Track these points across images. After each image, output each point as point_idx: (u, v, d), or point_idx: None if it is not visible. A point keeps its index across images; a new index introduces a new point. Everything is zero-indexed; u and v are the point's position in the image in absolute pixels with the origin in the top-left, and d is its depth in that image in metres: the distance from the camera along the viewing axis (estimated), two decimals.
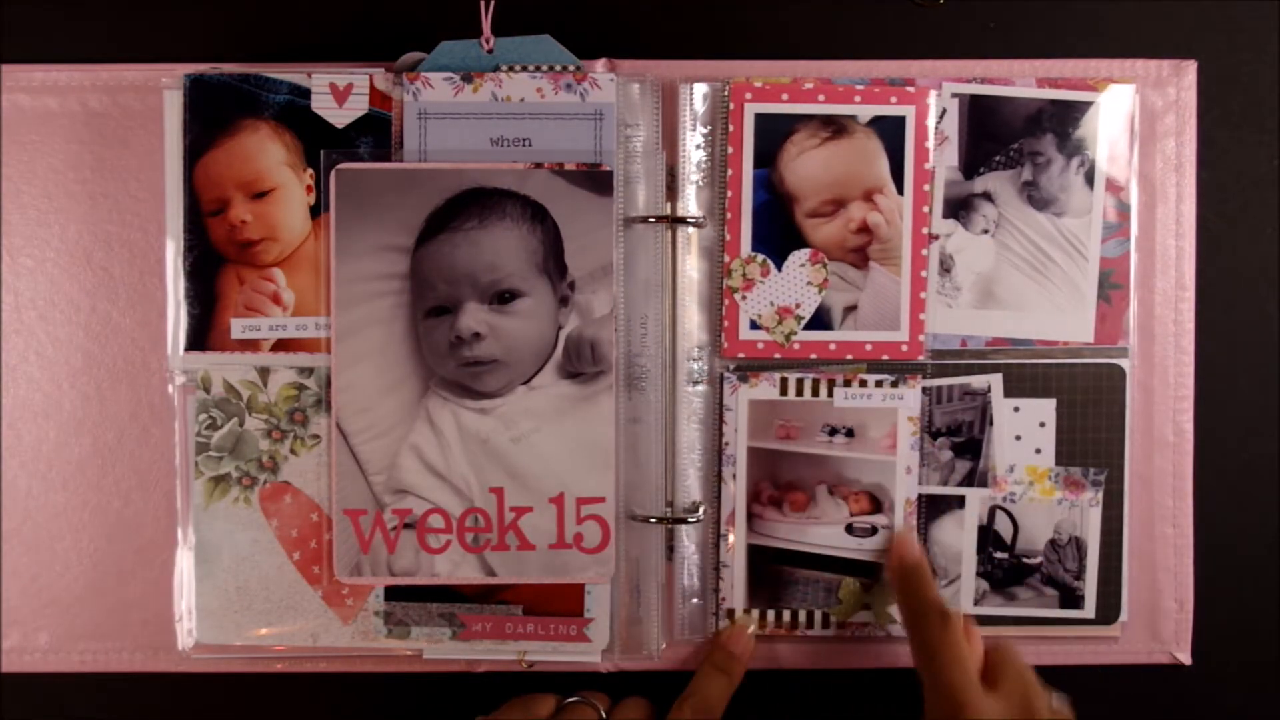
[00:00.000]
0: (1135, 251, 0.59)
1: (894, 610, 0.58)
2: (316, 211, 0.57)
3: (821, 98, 0.57)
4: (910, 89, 0.58)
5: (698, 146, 0.58)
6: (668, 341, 0.58)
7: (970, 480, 0.59)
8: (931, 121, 0.58)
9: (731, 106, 0.57)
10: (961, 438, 0.59)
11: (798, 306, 0.58)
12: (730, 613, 0.59)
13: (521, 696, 0.57)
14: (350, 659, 0.59)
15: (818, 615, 0.59)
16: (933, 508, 0.59)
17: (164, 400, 0.58)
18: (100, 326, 0.59)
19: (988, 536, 0.59)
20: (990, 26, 0.60)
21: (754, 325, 0.58)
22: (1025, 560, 0.59)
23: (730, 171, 0.57)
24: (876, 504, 0.58)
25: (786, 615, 0.59)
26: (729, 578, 0.59)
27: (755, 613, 0.59)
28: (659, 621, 0.59)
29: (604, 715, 0.56)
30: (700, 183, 0.58)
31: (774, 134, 0.57)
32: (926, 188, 0.58)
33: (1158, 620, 0.60)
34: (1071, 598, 0.59)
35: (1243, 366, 0.61)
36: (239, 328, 0.57)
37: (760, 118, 0.57)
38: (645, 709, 0.56)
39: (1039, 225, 0.58)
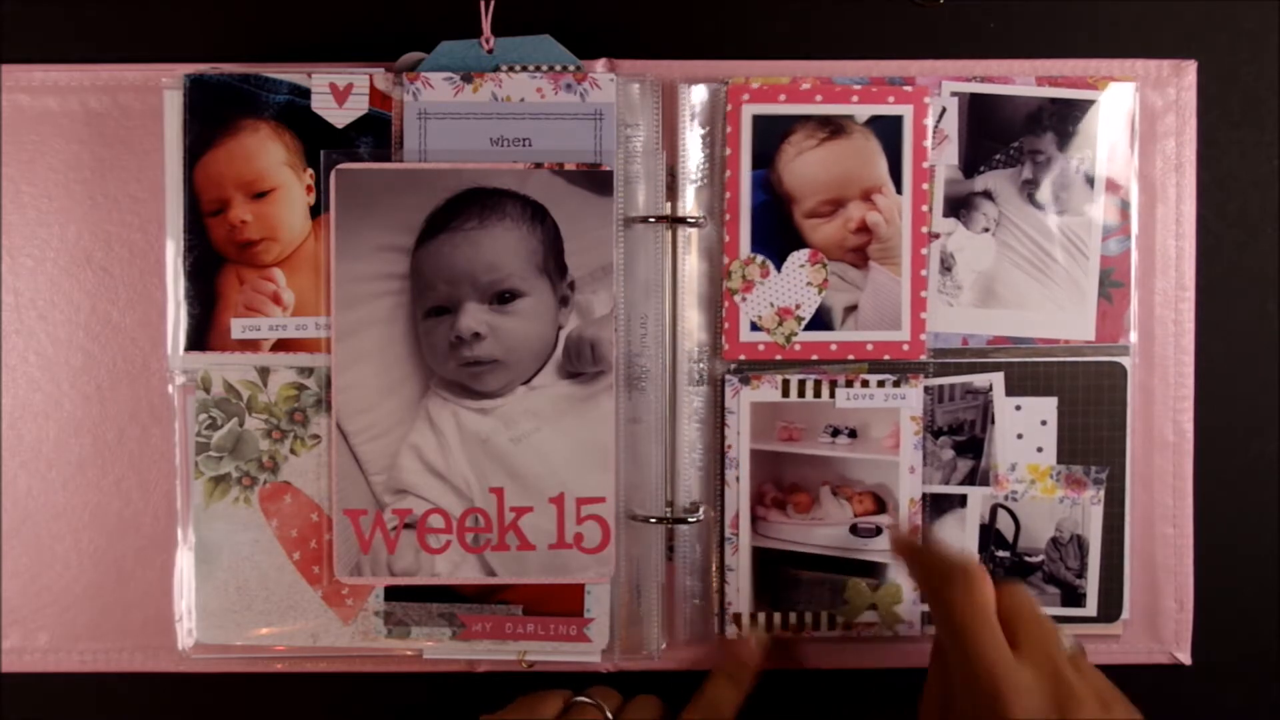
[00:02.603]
0: (1135, 251, 0.59)
1: (900, 610, 0.58)
2: (316, 211, 0.57)
3: (819, 98, 0.57)
4: (908, 88, 0.58)
5: (697, 147, 0.58)
6: (668, 342, 0.58)
7: (972, 479, 0.59)
8: (930, 120, 0.58)
9: (729, 107, 0.57)
10: (963, 436, 0.59)
11: (798, 307, 0.58)
12: (736, 617, 0.58)
13: (530, 695, 0.55)
14: (350, 659, 0.59)
15: (824, 616, 0.59)
16: (935, 507, 0.59)
17: (164, 400, 0.58)
18: (100, 326, 0.59)
19: (989, 535, 0.59)
20: (990, 26, 0.60)
21: (754, 327, 0.58)
22: (1027, 558, 0.59)
23: (728, 172, 0.57)
24: (880, 504, 0.58)
25: (792, 617, 0.59)
26: (734, 581, 0.58)
27: (762, 621, 0.58)
28: (659, 621, 0.58)
29: (609, 716, 0.54)
30: (700, 183, 0.58)
31: (772, 134, 0.57)
32: (926, 187, 0.58)
33: (1158, 620, 0.60)
34: (1074, 596, 0.59)
35: (1243, 366, 0.61)
36: (239, 328, 0.57)
37: (758, 119, 0.57)
38: (657, 708, 0.55)
39: (1039, 223, 0.58)
